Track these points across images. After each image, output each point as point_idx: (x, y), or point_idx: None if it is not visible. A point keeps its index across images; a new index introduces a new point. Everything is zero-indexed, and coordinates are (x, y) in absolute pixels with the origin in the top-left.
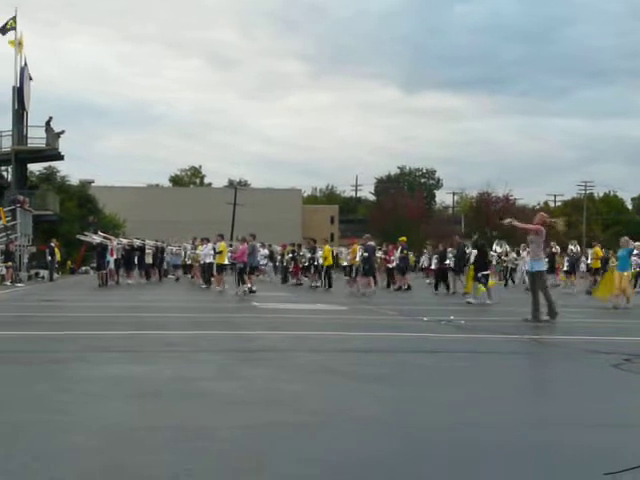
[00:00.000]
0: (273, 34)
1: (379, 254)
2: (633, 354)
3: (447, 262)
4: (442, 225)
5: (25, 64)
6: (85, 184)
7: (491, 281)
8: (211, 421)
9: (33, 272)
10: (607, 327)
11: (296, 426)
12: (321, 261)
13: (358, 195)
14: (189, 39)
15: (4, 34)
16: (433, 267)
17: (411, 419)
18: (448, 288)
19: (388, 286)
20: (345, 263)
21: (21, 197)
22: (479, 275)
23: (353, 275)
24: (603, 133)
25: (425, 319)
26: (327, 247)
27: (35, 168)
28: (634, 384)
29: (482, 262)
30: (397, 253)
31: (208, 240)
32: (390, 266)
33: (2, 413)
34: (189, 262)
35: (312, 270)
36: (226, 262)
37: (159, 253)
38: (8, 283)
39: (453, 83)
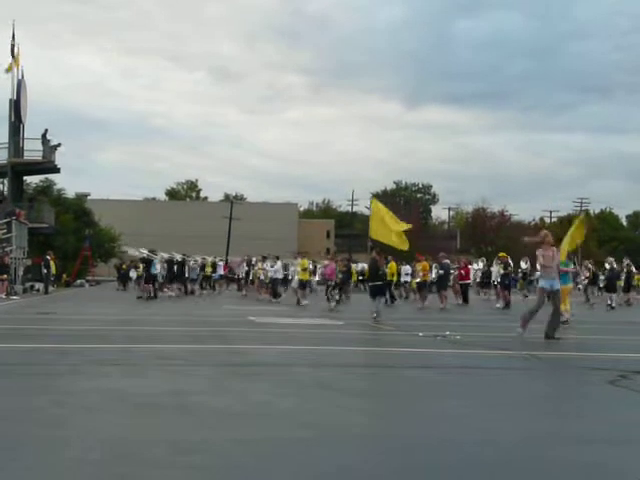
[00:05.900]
0: (276, 47)
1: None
2: (629, 370)
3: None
4: (437, 241)
5: (22, 76)
6: (81, 197)
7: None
8: (206, 435)
9: (28, 285)
10: (604, 343)
11: (290, 441)
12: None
13: (354, 210)
14: (191, 52)
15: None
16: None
17: (404, 433)
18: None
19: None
20: (418, 279)
21: (17, 209)
22: (370, 285)
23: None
24: (602, 149)
25: (420, 334)
26: (393, 263)
27: (31, 180)
28: (630, 401)
29: (374, 273)
30: (500, 270)
31: (278, 258)
32: (464, 282)
33: None
34: (250, 277)
35: None
36: (307, 278)
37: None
38: (3, 296)
39: (455, 98)
